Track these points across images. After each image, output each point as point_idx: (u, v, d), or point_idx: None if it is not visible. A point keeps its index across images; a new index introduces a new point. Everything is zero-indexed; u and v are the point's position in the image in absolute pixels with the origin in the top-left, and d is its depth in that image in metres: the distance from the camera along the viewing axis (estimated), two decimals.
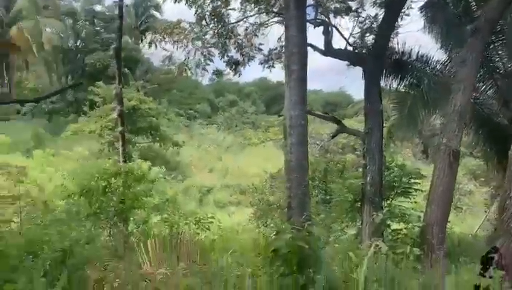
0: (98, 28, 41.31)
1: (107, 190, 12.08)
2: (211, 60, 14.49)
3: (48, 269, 4.94)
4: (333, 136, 12.31)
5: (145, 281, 7.24)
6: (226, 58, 14.32)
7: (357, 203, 10.63)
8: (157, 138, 29.25)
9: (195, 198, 24.66)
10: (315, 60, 53.82)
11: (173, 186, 19.62)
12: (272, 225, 11.45)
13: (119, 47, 14.24)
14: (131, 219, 12.07)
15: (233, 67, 14.56)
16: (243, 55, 14.42)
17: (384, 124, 10.52)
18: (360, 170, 12.35)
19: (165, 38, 14.39)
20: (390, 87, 11.59)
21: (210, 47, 14.19)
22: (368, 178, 9.75)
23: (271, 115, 44.26)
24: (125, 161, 13.84)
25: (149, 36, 14.96)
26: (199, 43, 14.04)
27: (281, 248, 5.04)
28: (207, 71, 14.95)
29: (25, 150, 25.06)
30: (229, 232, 13.58)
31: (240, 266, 7.42)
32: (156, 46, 14.78)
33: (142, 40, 38.98)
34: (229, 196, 26.62)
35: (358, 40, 12.12)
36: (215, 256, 9.01)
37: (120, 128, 14.22)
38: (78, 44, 40.45)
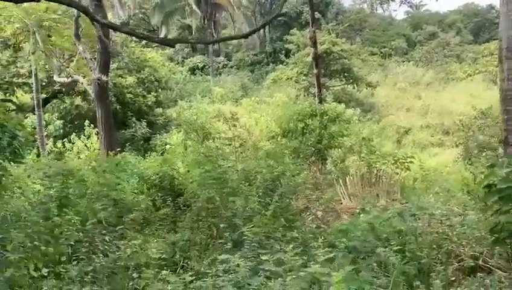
0: None
1: (304, 131, 12.82)
2: None
3: (261, 195, 5.63)
4: None
5: (346, 214, 7.55)
6: None
7: None
8: (351, 80, 28.96)
9: (392, 139, 23.86)
10: None
11: (369, 128, 19.34)
12: (482, 163, 10.28)
13: None
14: (329, 158, 12.58)
15: None
16: None
17: None
18: None
19: None
20: None
21: None
22: None
23: (480, 45, 38.58)
24: (320, 103, 14.32)
25: None
26: None
27: (496, 182, 4.50)
28: (393, 0, 13.91)
29: (234, 99, 28.21)
30: (432, 173, 12.82)
31: (445, 204, 7.01)
32: None
33: None
34: (430, 136, 24.82)
35: None
36: (417, 196, 8.69)
37: (315, 71, 14.67)
38: None
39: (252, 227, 4.64)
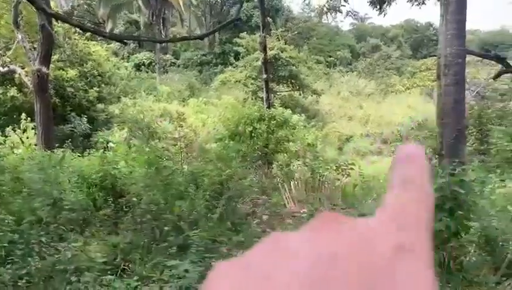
0: None
1: (252, 134, 12.92)
2: (346, 1, 13.96)
3: (208, 198, 5.58)
4: (496, 77, 10.90)
5: (291, 217, 7.69)
6: None
7: None
8: (297, 87, 29.54)
9: (334, 146, 24.63)
10: None
11: (313, 134, 19.86)
12: None
13: None
14: (275, 162, 12.76)
15: (378, 6, 13.74)
16: None
17: None
18: None
19: None
20: None
21: None
22: None
23: (418, 60, 40.88)
24: (268, 107, 14.49)
25: None
26: None
27: None
28: (340, 12, 14.55)
29: (181, 99, 27.81)
30: (371, 179, 13.38)
31: None
32: None
33: None
34: (369, 144, 25.93)
35: None
36: (357, 202, 9.05)
37: (264, 76, 14.83)
38: None
39: (199, 231, 4.59)
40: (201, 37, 10.82)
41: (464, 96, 6.93)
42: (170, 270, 3.11)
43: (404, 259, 0.23)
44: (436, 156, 7.93)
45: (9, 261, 3.78)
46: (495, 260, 4.89)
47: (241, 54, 32.58)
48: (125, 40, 10.46)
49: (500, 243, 5.04)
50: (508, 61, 10.99)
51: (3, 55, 14.18)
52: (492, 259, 4.92)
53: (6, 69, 13.13)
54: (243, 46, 31.97)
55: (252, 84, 28.16)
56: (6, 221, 4.28)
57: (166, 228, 5.10)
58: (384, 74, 38.46)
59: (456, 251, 4.80)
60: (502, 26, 55.60)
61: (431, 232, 0.25)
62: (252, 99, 27.04)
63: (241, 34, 32.46)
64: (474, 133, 12.83)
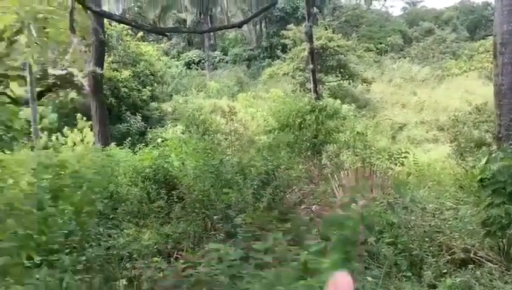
0: None
1: (302, 126, 12.86)
2: None
3: (255, 188, 5.64)
4: None
5: (339, 207, 7.59)
6: None
7: None
8: (346, 76, 28.97)
9: (387, 135, 23.91)
10: None
11: (363, 123, 19.40)
12: (475, 159, 10.34)
13: None
14: (324, 152, 12.64)
15: None
16: None
17: None
18: None
19: None
20: None
21: None
22: None
23: (476, 42, 38.64)
24: (317, 98, 14.35)
25: None
26: None
27: (491, 176, 4.54)
28: None
29: (230, 94, 28.16)
30: (426, 168, 12.90)
31: (437, 199, 7.06)
32: None
33: None
34: (425, 132, 24.90)
35: None
36: (411, 190, 8.74)
37: (311, 66, 14.69)
38: None
39: (246, 218, 4.66)
40: (239, 25, 10.87)
41: None
42: (210, 253, 3.19)
43: None
44: (496, 139, 7.52)
45: (68, 247, 4.04)
46: None
47: (289, 46, 32.38)
48: (166, 33, 10.69)
49: None
50: None
51: (61, 59, 15.03)
52: None
53: (64, 72, 13.92)
54: (289, 38, 31.77)
55: (299, 75, 27.94)
56: (66, 211, 4.57)
57: (215, 217, 5.22)
58: (439, 58, 36.72)
59: None
60: None
61: None
62: (300, 91, 26.85)
63: (288, 26, 32.26)
64: None
